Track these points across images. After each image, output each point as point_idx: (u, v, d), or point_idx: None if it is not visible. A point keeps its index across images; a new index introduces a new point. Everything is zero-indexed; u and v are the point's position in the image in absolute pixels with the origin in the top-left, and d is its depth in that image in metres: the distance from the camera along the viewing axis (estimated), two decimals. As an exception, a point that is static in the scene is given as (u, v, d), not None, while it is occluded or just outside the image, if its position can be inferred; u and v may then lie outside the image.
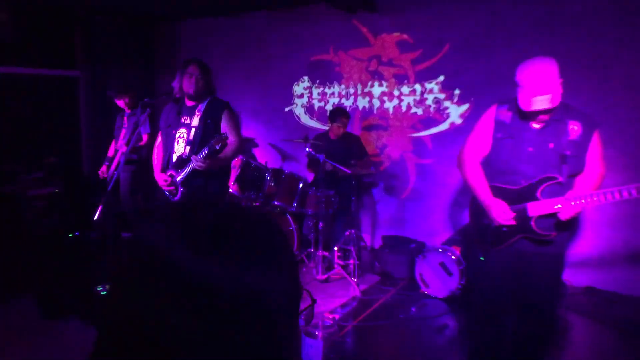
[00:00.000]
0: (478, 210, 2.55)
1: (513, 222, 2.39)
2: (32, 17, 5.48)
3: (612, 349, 3.43)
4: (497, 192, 2.45)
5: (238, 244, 0.52)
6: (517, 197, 2.40)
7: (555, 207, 2.31)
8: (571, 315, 3.76)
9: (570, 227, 2.42)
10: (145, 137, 5.10)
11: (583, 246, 4.24)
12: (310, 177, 5.23)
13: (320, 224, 4.25)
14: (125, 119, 5.16)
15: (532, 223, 2.36)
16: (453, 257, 3.93)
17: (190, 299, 0.48)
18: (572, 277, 4.19)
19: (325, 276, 4.32)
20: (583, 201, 2.25)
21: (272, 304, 0.52)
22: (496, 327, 2.61)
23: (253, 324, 0.50)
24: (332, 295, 4.05)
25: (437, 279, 4.03)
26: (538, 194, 2.35)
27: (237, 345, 0.49)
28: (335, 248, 4.47)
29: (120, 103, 5.17)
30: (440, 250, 4.04)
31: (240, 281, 0.50)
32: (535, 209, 2.35)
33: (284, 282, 0.54)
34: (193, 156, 3.14)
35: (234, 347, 0.49)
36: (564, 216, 2.29)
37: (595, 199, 2.23)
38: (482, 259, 2.57)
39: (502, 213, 2.39)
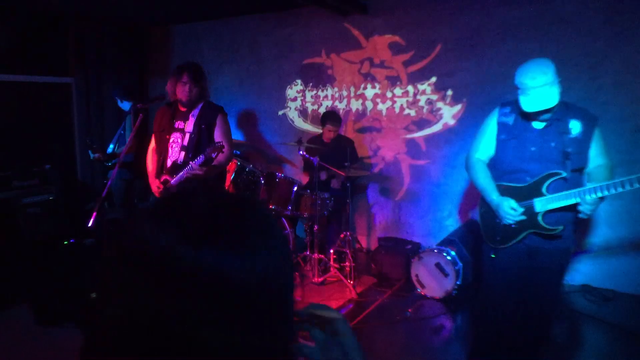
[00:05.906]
0: (487, 210, 2.63)
1: (521, 218, 2.46)
2: (24, 24, 5.46)
3: (608, 346, 3.45)
4: (504, 190, 2.54)
5: (236, 231, 0.52)
6: (524, 194, 2.48)
7: (566, 201, 2.35)
8: (568, 313, 3.78)
9: (576, 220, 2.46)
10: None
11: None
12: (305, 180, 5.23)
13: (315, 227, 4.25)
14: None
15: (540, 218, 2.43)
16: (448, 258, 3.93)
17: (194, 290, 0.47)
18: (568, 276, 4.21)
19: (321, 279, 4.32)
20: (594, 193, 2.26)
21: (278, 284, 0.53)
22: (503, 322, 2.64)
23: (264, 306, 0.51)
24: (328, 298, 4.05)
25: (433, 280, 4.03)
26: (544, 190, 2.41)
27: (249, 331, 0.49)
28: (331, 250, 4.48)
29: (125, 106, 5.12)
30: (435, 251, 4.05)
31: (244, 268, 0.49)
32: (541, 204, 2.42)
33: (282, 262, 0.55)
34: (191, 162, 3.13)
35: (246, 333, 0.49)
36: (585, 209, 2.29)
37: (605, 190, 2.24)
38: (493, 256, 2.62)
39: (510, 210, 2.46)
